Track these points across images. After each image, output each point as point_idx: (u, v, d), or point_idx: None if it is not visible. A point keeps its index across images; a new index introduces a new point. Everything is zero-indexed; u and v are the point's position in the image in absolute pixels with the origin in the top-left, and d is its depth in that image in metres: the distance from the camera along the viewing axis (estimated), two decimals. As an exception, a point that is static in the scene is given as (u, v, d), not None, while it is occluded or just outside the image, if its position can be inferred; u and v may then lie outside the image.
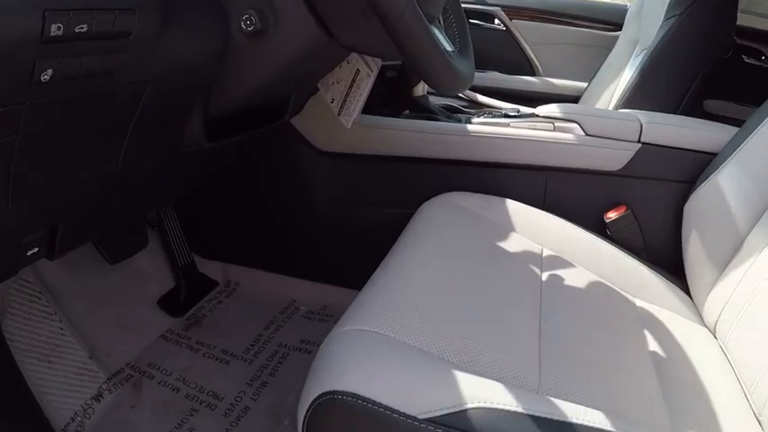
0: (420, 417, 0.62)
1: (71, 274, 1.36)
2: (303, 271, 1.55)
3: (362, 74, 1.15)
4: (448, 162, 1.33)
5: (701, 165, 1.19)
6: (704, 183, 1.13)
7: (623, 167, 1.25)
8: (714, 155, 1.18)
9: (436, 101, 1.68)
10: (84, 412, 1.19)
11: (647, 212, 1.26)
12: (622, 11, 2.23)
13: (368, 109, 1.34)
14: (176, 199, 1.46)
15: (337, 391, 0.63)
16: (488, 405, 0.64)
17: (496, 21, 2.52)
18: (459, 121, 1.38)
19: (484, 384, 0.68)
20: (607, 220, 1.24)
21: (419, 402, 0.63)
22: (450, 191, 1.26)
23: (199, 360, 1.37)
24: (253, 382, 1.31)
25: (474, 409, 0.64)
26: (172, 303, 1.53)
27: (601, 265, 1.14)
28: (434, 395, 0.64)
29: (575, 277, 1.06)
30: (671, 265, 1.21)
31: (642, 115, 1.29)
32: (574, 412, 0.67)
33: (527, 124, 1.30)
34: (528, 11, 2.55)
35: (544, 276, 1.03)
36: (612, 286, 1.10)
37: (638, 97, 1.74)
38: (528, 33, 2.52)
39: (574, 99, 2.11)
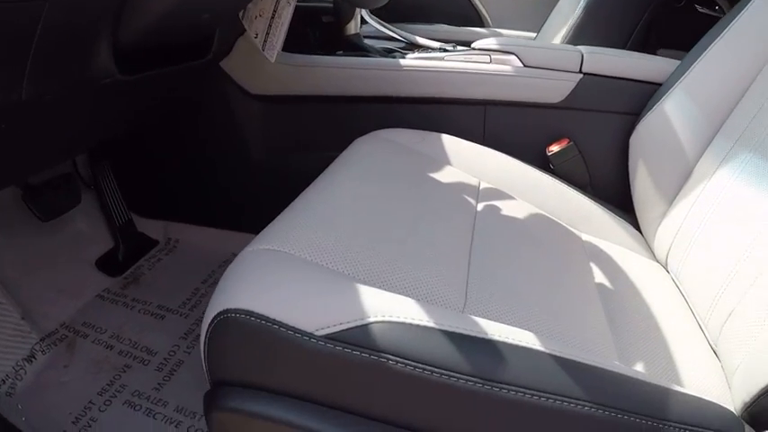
0: (317, 333, 0.58)
1: (5, 237, 1.31)
2: (244, 224, 1.50)
3: (283, 2, 1.09)
4: (383, 99, 1.29)
5: (646, 95, 1.16)
6: (650, 112, 1.09)
7: (564, 99, 1.21)
8: (659, 85, 1.14)
9: (376, 45, 1.63)
10: (15, 374, 1.14)
11: (592, 145, 1.22)
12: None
13: (302, 51, 1.28)
14: (101, 142, 1.40)
15: (231, 309, 0.59)
16: (393, 319, 0.60)
17: (443, -29, 2.45)
18: (394, 57, 1.33)
19: (393, 299, 0.63)
20: (549, 154, 1.21)
21: (316, 318, 0.59)
22: (392, 127, 1.21)
23: (134, 317, 1.32)
24: (187, 335, 1.27)
25: (377, 323, 0.59)
26: (110, 264, 1.48)
27: (543, 199, 1.10)
28: (334, 310, 0.60)
29: (513, 208, 1.03)
30: (619, 200, 1.18)
31: (584, 47, 1.26)
32: (500, 331, 0.62)
33: (463, 57, 1.25)
34: (473, -39, 2.48)
35: (480, 206, 0.99)
36: (555, 219, 1.07)
37: (583, 36, 1.70)
38: (475, -18, 2.46)
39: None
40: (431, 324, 0.60)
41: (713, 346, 0.83)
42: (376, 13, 2.34)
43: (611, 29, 1.70)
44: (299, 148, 1.35)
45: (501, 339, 0.61)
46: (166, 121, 1.39)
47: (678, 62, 1.14)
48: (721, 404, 0.66)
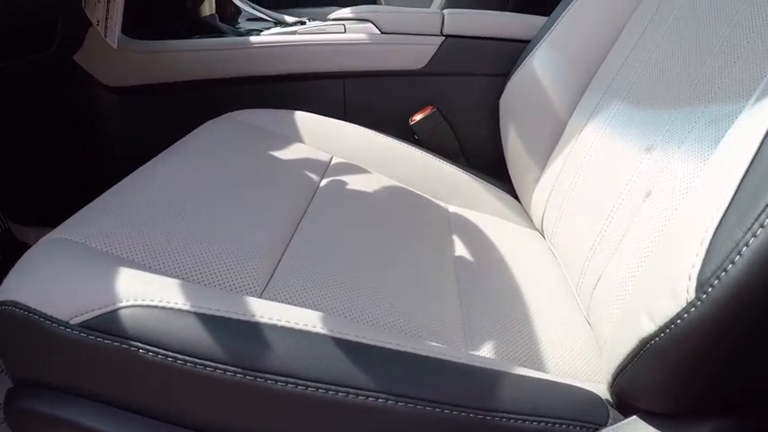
0: (72, 322, 0.51)
1: None
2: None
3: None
4: (241, 81, 1.18)
5: (514, 54, 1.07)
6: (518, 70, 1.01)
7: (427, 64, 1.12)
8: (528, 42, 1.05)
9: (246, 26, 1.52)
10: None
11: (459, 111, 1.13)
12: None
13: (157, 36, 1.19)
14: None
15: (2, 301, 0.53)
16: (147, 303, 0.51)
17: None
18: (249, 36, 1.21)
19: (158, 282, 0.54)
20: (412, 123, 1.10)
21: (72, 305, 0.51)
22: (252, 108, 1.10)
23: None
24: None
25: (127, 307, 0.50)
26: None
27: (404, 172, 1.01)
28: (88, 295, 0.52)
29: (364, 182, 0.92)
30: (495, 167, 1.09)
31: (448, 10, 1.16)
32: (289, 315, 0.52)
33: (317, 29, 1.14)
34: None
35: (324, 182, 0.88)
36: (417, 191, 0.96)
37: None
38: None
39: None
40: (187, 308, 0.51)
41: (586, 317, 0.72)
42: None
43: None
44: (162, 139, 1.21)
45: (277, 323, 0.52)
46: (30, 122, 1.24)
47: (545, 18, 1.06)
48: (588, 387, 0.56)
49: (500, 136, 1.06)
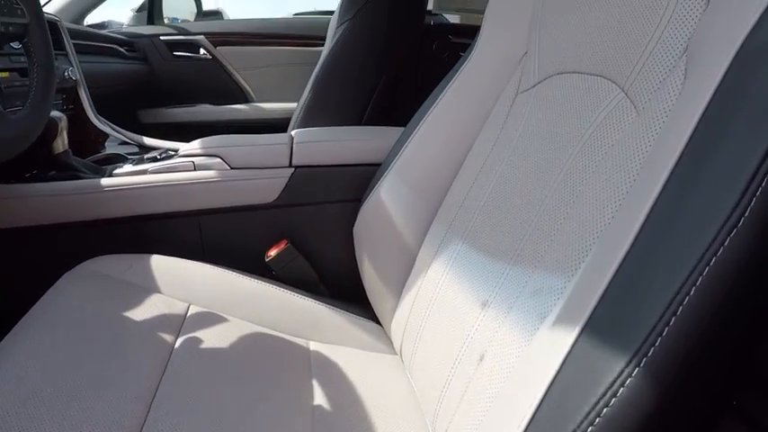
0: None
1: None
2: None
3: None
4: (94, 223, 1.15)
5: (366, 179, 1.08)
6: (368, 199, 1.02)
7: (278, 197, 1.13)
8: (378, 165, 1.07)
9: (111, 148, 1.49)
10: None
11: (314, 241, 1.14)
12: (327, 24, 2.13)
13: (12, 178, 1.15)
14: None
15: None
16: None
17: (202, 50, 2.35)
18: (103, 175, 1.19)
19: None
20: (267, 260, 1.10)
21: None
22: (104, 253, 1.07)
23: None
24: None
25: None
26: None
27: (263, 313, 1.00)
28: None
29: (222, 333, 0.91)
30: (356, 293, 1.09)
31: (298, 134, 1.17)
32: None
33: (166, 167, 1.13)
34: (232, 35, 2.41)
35: (180, 340, 0.87)
36: (278, 334, 0.96)
37: (315, 113, 1.63)
38: (235, 59, 2.39)
39: (286, 122, 1.99)
40: None
41: None
42: (131, 98, 2.22)
43: (341, 110, 1.64)
44: (19, 286, 1.16)
45: None
46: None
47: (397, 132, 1.09)
48: None
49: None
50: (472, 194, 0.86)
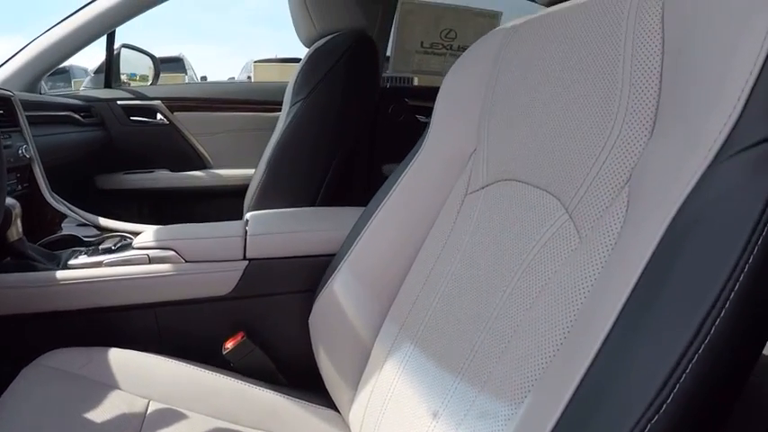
0: None
1: None
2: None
3: None
4: (49, 316, 1.15)
5: (321, 269, 1.09)
6: (322, 292, 1.04)
7: (233, 289, 1.14)
8: (332, 255, 1.09)
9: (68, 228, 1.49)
10: None
11: (271, 332, 1.15)
12: (284, 89, 2.15)
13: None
14: None
15: None
16: None
17: (159, 115, 2.36)
18: (58, 264, 1.20)
19: None
20: (225, 352, 1.11)
21: None
22: (62, 346, 1.06)
23: None
24: None
25: None
26: None
27: (222, 406, 1.00)
28: None
29: (183, 429, 0.91)
30: (315, 381, 1.10)
31: (252, 223, 1.19)
32: None
33: (121, 260, 1.14)
34: (189, 101, 2.42)
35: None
36: (239, 428, 0.97)
37: (269, 195, 1.65)
38: (192, 124, 2.40)
39: (243, 188, 2.01)
40: None
41: None
42: (87, 164, 2.22)
43: (295, 191, 1.67)
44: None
45: None
46: None
47: (354, 216, 1.10)
48: None
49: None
50: (424, 293, 0.87)
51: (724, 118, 0.48)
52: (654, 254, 0.50)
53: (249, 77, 10.37)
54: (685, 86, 0.55)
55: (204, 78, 13.28)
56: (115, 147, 2.34)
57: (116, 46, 2.53)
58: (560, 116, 0.72)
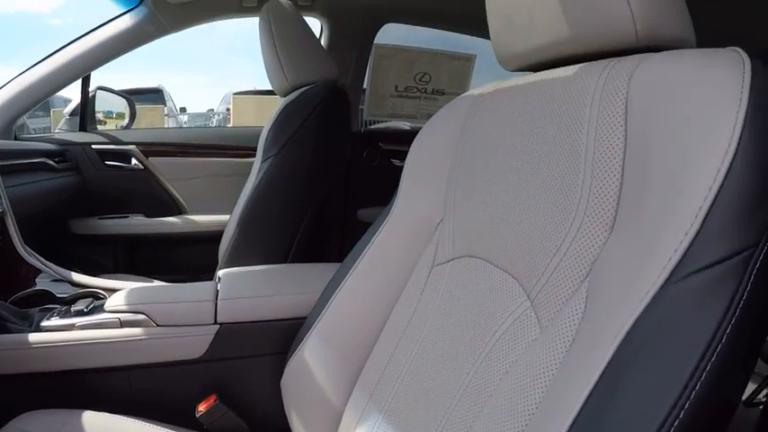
0: None
1: None
2: None
3: None
4: (22, 378, 1.14)
5: (291, 332, 1.10)
6: (293, 357, 1.04)
7: (205, 353, 1.14)
8: (304, 318, 1.09)
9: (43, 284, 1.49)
10: None
11: (243, 395, 1.16)
12: (259, 134, 2.16)
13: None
14: None
15: None
16: None
17: (134, 160, 2.37)
18: (31, 324, 1.20)
19: None
20: (198, 415, 1.12)
21: None
22: (34, 408, 1.06)
23: None
24: None
25: None
26: None
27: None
28: None
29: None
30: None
31: (223, 286, 1.21)
32: None
33: (94, 323, 1.15)
34: (164, 146, 2.43)
35: None
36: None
37: (241, 252, 1.66)
38: (168, 170, 2.40)
39: (219, 234, 2.02)
40: None
41: None
42: (62, 210, 2.21)
43: (267, 245, 1.68)
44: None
45: None
46: None
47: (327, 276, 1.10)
48: None
49: None
50: (392, 364, 0.88)
51: (680, 234, 0.50)
52: (607, 367, 0.51)
53: (228, 109, 10.42)
54: (645, 189, 0.56)
55: (183, 110, 13.30)
56: (90, 191, 2.34)
57: (91, 88, 2.54)
58: (524, 198, 0.73)
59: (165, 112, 10.16)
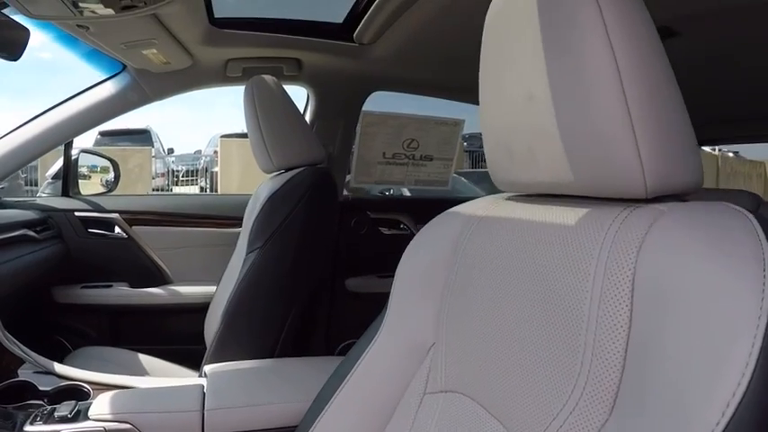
0: None
1: None
2: None
3: None
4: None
5: None
6: None
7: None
8: (293, 428, 1.05)
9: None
10: None
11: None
12: (245, 203, 2.14)
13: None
14: None
15: None
16: None
17: (117, 228, 2.35)
18: (13, 427, 1.17)
19: None
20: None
21: None
22: None
23: None
24: None
25: None
26: None
27: None
28: None
29: None
30: None
31: (211, 385, 1.19)
32: None
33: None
34: (148, 215, 2.41)
35: None
36: None
37: (227, 346, 1.62)
38: (152, 239, 2.38)
39: (204, 306, 2.00)
40: None
41: None
42: (45, 280, 2.18)
43: (254, 339, 1.65)
44: None
45: None
46: None
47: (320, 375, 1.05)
48: None
49: None
50: None
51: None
52: None
53: (215, 152, 10.43)
54: (648, 386, 0.53)
55: (171, 151, 13.31)
56: (73, 258, 2.31)
57: (74, 151, 2.52)
58: (523, 346, 0.69)
59: (153, 154, 10.18)
